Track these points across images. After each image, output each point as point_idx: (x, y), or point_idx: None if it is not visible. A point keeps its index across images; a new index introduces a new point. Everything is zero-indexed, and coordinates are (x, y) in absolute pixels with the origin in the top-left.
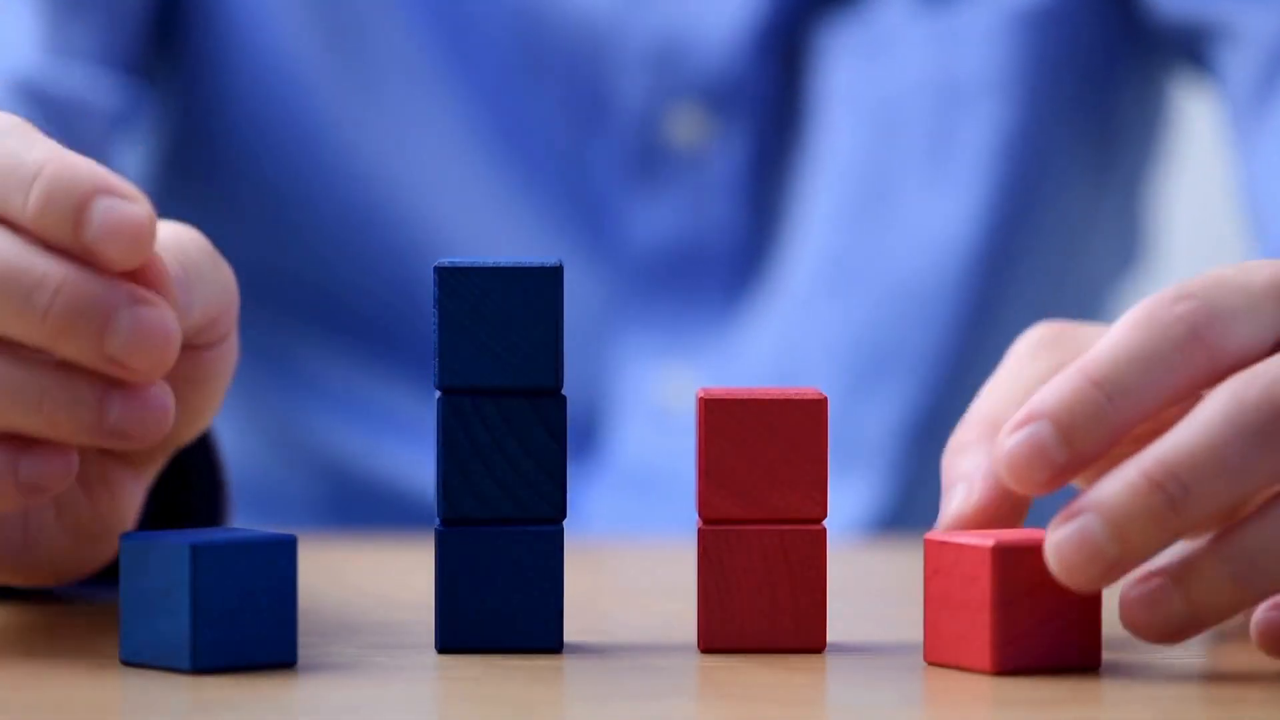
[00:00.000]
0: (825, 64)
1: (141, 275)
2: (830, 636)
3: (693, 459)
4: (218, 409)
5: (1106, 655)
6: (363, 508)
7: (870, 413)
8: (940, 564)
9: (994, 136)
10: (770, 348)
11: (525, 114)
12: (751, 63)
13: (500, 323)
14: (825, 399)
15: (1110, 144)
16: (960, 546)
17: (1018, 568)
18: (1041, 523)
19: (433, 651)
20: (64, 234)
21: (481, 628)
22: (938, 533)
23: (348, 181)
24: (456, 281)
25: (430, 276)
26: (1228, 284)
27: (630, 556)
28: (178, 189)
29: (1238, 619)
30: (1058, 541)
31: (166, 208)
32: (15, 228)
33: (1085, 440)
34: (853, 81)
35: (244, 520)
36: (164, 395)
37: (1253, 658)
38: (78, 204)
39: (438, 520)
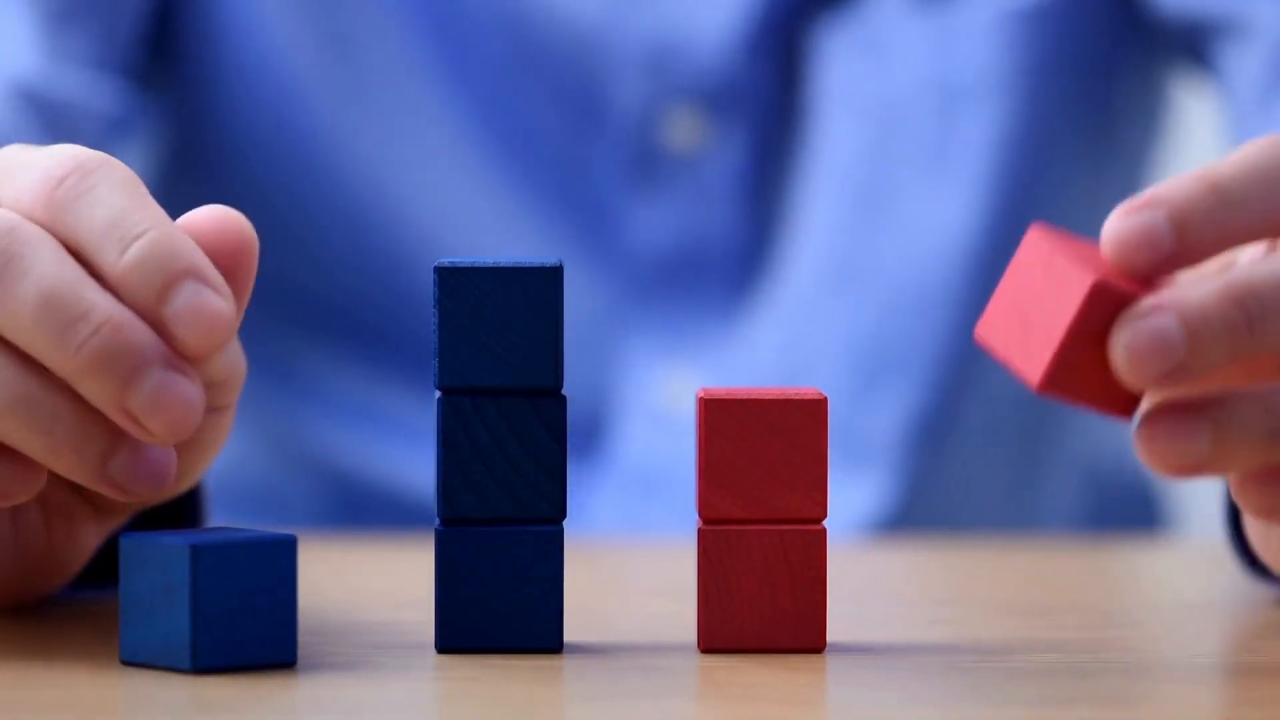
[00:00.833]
0: (822, 64)
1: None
2: (830, 636)
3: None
4: (199, 477)
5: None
6: (364, 511)
7: (873, 413)
8: (1035, 257)
9: (994, 135)
10: (772, 348)
11: (522, 118)
12: (748, 64)
13: (500, 323)
14: (825, 399)
15: (1110, 142)
16: (1068, 266)
17: (1104, 313)
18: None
19: (433, 651)
20: (146, 300)
21: (481, 628)
22: (1054, 234)
23: (345, 186)
24: (456, 281)
25: (429, 280)
26: None
27: (631, 556)
28: (174, 195)
29: None
30: (1131, 336)
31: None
32: (96, 274)
33: (1196, 236)
34: (851, 81)
35: (246, 523)
36: (168, 459)
37: None
38: (169, 278)
39: (438, 520)
